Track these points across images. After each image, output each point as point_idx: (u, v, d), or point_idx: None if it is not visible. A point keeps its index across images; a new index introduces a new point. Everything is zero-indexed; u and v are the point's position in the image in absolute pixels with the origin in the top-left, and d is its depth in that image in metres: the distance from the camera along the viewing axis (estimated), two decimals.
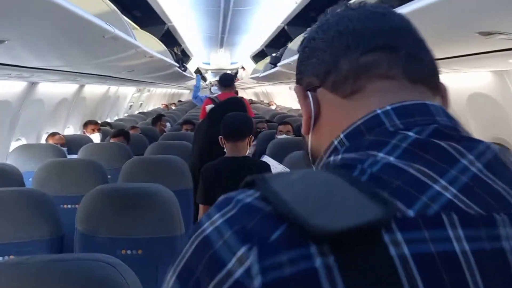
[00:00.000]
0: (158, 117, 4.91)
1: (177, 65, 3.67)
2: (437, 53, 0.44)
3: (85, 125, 3.94)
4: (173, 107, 11.02)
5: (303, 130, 0.45)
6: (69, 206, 2.16)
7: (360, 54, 0.40)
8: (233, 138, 1.93)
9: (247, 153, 2.08)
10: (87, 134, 3.78)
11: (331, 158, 0.39)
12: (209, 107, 3.84)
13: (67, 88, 3.75)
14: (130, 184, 1.86)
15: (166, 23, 3.33)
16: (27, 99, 2.71)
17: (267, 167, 1.95)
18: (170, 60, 3.25)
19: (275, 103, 10.75)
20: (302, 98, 0.44)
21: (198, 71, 10.63)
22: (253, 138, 2.11)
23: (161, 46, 3.22)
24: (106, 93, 5.09)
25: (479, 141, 0.35)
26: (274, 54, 4.42)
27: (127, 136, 3.45)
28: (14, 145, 2.84)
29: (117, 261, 0.85)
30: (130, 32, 1.64)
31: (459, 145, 0.34)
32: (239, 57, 8.79)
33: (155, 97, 10.64)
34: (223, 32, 4.88)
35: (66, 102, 3.83)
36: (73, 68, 2.28)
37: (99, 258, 0.83)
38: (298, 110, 7.53)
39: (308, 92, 0.43)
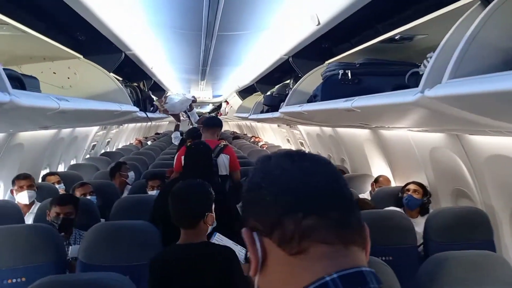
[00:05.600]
0: (116, 167, 3.82)
1: (136, 109, 2.67)
2: None
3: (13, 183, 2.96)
4: (149, 143, 9.69)
5: (251, 272, 0.51)
6: None
7: (302, 217, 0.47)
8: (184, 225, 1.54)
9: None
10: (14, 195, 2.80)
11: None
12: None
13: None
14: None
15: (123, 50, 2.38)
16: None
17: (233, 255, 1.52)
18: (124, 107, 2.26)
19: (262, 140, 9.80)
20: (250, 243, 0.50)
21: None
22: (213, 216, 1.58)
23: (112, 81, 2.22)
24: (56, 135, 4.05)
25: None
26: (268, 93, 3.54)
27: (76, 204, 2.40)
28: None
29: None
30: None
31: None
32: (222, 91, 7.92)
33: (127, 131, 9.54)
34: (204, 64, 3.95)
35: None
36: None
37: None
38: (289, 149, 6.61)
39: (256, 238, 0.50)
